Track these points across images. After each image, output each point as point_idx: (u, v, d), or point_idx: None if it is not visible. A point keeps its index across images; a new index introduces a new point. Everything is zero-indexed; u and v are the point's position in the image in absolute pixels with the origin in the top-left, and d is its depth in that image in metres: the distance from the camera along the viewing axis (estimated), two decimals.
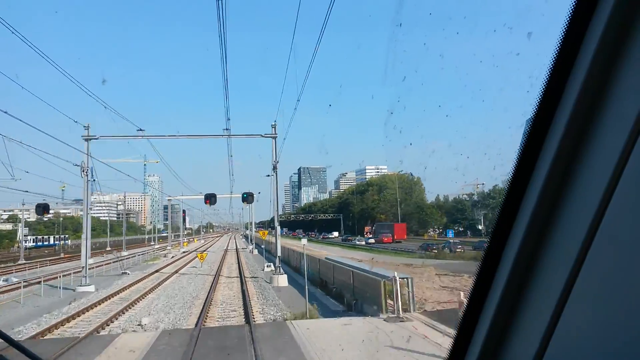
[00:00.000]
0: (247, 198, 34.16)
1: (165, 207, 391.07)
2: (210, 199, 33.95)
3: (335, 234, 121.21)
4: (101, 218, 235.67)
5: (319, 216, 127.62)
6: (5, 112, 17.23)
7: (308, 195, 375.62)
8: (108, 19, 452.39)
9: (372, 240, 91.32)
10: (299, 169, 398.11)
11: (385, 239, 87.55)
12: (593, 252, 1.00)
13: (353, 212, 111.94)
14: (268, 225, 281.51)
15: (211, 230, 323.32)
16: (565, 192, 1.11)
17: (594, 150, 1.04)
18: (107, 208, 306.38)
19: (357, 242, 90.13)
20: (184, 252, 70.77)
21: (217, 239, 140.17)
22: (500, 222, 1.27)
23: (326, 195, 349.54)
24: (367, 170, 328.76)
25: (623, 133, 0.96)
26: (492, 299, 1.30)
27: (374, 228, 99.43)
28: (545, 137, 1.15)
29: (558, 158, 1.11)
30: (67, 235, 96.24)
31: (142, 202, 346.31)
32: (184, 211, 66.83)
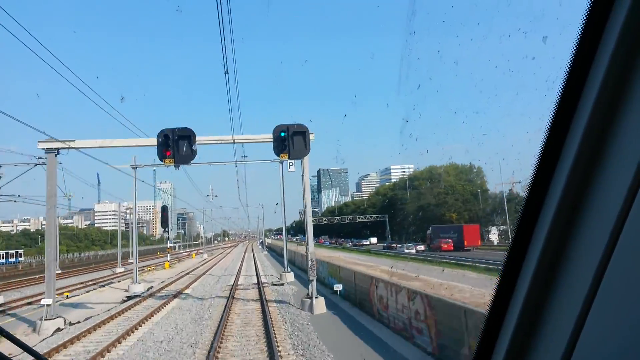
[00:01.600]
0: (288, 142, 10.79)
1: (180, 215, 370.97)
2: (176, 145, 10.69)
3: (373, 240, 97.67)
4: (103, 228, 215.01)
5: (359, 218, 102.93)
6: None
7: (329, 199, 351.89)
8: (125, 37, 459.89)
9: (422, 247, 68.31)
10: (318, 171, 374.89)
11: (445, 246, 64.12)
12: (617, 254, 0.99)
13: (407, 212, 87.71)
14: (287, 232, 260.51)
15: (226, 238, 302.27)
16: (586, 195, 1.09)
17: (615, 152, 1.03)
18: (113, 217, 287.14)
19: (406, 250, 66.57)
20: (128, 297, 26.83)
21: (229, 250, 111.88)
22: (522, 225, 1.25)
23: (348, 198, 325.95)
24: (392, 170, 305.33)
25: None
26: (517, 301, 1.29)
27: (429, 232, 75.50)
28: (565, 140, 1.13)
29: (578, 161, 1.09)
30: (21, 251, 72.73)
31: (155, 211, 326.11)
32: (164, 209, 43.39)
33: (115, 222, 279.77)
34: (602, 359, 1.00)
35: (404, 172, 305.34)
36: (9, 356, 1.37)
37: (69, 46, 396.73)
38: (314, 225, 23.37)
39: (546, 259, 1.18)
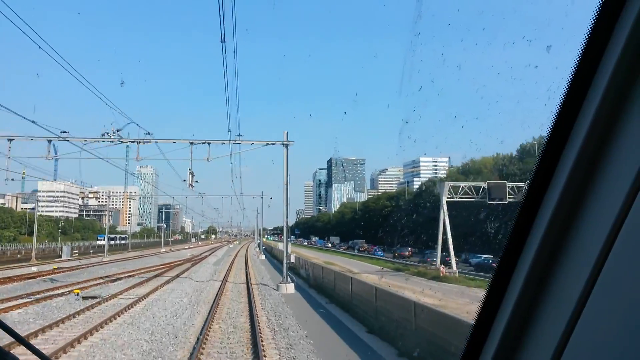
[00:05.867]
0: None
1: (162, 208, 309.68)
2: None
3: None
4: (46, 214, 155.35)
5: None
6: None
7: (341, 195, 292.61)
8: (128, 23, 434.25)
9: None
10: (329, 161, 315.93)
11: None
12: (610, 262, 1.00)
13: None
14: (292, 232, 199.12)
15: (213, 236, 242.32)
16: (582, 203, 1.11)
17: (613, 163, 1.04)
18: (64, 201, 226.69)
19: None
20: None
21: (192, 265, 43.86)
22: (516, 229, 1.28)
23: (364, 195, 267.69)
24: (421, 163, 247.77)
25: None
26: (508, 303, 1.29)
27: None
28: (563, 151, 1.15)
29: (575, 172, 1.11)
30: None
31: (125, 197, 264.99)
32: None
33: (64, 206, 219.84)
34: None
35: (435, 165, 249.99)
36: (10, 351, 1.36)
37: (72, 29, 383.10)
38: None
39: (540, 263, 1.19)
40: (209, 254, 67.53)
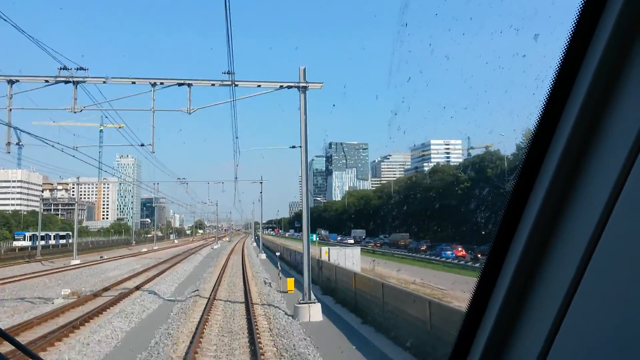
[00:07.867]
0: None
1: (145, 203, 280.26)
2: None
3: None
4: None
5: None
6: None
7: (342, 183, 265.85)
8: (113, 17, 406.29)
9: None
10: (328, 146, 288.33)
11: None
12: (598, 254, 1.00)
13: None
14: (291, 224, 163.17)
15: (200, 232, 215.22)
16: (570, 194, 1.11)
17: (601, 152, 1.05)
18: (24, 192, 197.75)
19: None
20: None
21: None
22: (505, 222, 1.27)
23: (367, 183, 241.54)
24: (432, 146, 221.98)
25: (629, 136, 0.96)
26: (495, 300, 1.29)
27: None
28: (552, 139, 1.15)
29: (564, 160, 1.11)
30: None
31: (99, 189, 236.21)
32: None
33: (22, 198, 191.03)
34: (578, 357, 1.03)
35: (447, 147, 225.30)
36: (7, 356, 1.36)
37: (55, 22, 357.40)
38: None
39: (528, 256, 1.19)
40: (157, 274, 32.38)
